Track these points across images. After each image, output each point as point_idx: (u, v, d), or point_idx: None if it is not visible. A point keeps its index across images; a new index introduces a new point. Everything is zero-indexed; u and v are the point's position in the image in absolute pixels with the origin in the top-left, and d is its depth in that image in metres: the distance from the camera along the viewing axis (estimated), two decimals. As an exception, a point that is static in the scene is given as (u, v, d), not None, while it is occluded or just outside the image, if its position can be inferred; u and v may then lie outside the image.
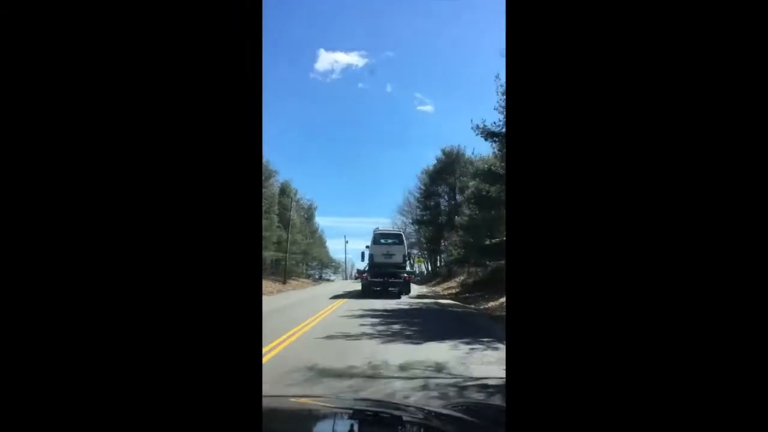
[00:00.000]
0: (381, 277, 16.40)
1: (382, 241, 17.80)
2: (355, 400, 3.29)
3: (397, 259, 16.82)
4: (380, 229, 19.23)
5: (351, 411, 2.25)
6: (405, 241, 18.38)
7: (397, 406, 2.47)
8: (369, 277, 16.93)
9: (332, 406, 2.38)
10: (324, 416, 2.11)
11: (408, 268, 18.10)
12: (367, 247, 18.29)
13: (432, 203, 49.02)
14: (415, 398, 5.22)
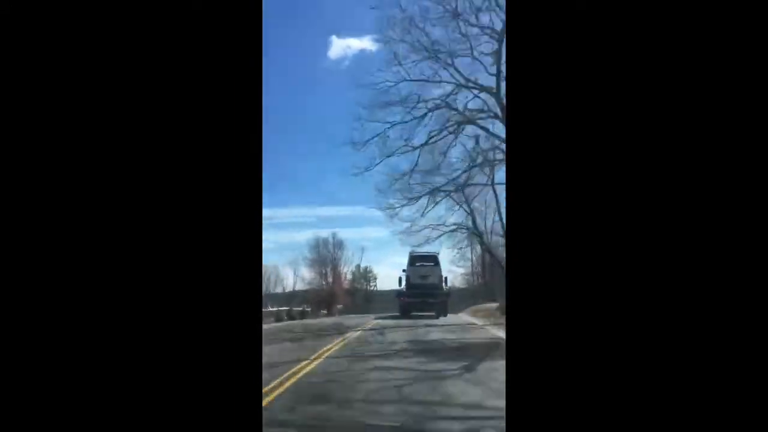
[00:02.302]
0: (418, 298, 16.85)
1: (418, 263, 18.20)
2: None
3: (433, 280, 17.32)
4: (416, 251, 19.34)
5: None
6: (440, 264, 19.00)
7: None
8: (406, 298, 17.33)
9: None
10: None
11: (444, 289, 18.46)
12: (404, 270, 18.73)
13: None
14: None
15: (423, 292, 16.57)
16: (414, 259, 18.47)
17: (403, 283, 18.15)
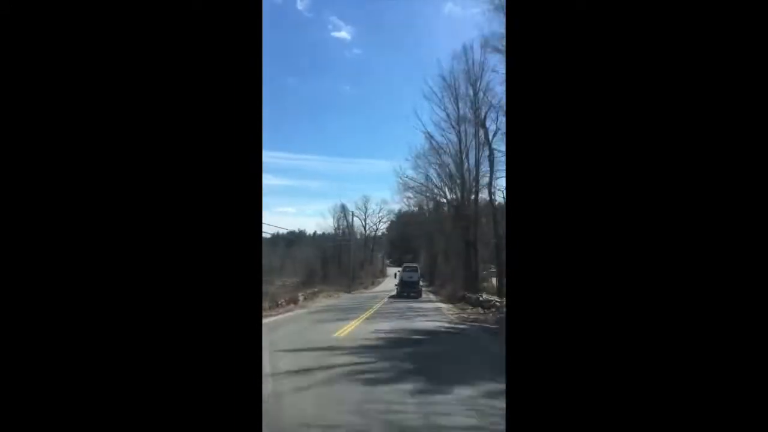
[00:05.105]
0: (405, 289, 30.10)
1: (405, 270, 31.86)
2: None
3: (414, 279, 30.83)
4: (406, 264, 34.20)
5: None
6: (419, 270, 33.08)
7: None
8: (399, 288, 30.51)
9: None
10: None
11: (420, 285, 31.77)
12: (396, 274, 33.23)
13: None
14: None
15: (407, 285, 30.85)
16: (404, 268, 32.69)
17: (397, 279, 32.01)
